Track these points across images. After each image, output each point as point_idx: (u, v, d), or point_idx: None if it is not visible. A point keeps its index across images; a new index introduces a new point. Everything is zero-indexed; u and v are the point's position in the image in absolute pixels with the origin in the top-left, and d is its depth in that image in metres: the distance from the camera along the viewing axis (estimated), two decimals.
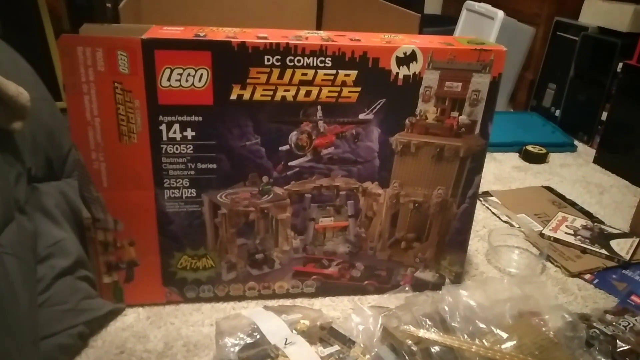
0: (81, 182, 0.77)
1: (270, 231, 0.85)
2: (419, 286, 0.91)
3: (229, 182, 0.79)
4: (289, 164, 0.80)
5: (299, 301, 0.89)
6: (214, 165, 0.78)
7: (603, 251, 1.07)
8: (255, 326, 0.76)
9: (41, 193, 0.79)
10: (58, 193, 0.81)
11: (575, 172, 1.49)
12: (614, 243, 1.10)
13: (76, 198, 0.80)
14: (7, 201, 0.68)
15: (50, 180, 0.83)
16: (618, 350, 0.76)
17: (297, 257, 0.87)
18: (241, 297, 0.88)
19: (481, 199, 1.27)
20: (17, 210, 0.72)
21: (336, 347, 0.73)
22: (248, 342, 0.73)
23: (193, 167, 0.77)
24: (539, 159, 1.54)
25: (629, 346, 0.76)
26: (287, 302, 0.88)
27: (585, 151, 1.65)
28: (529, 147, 1.56)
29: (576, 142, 1.69)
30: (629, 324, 0.82)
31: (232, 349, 0.72)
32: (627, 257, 1.05)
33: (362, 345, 0.74)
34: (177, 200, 0.79)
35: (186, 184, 0.78)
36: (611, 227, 1.16)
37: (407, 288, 0.89)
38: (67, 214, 0.82)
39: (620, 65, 1.53)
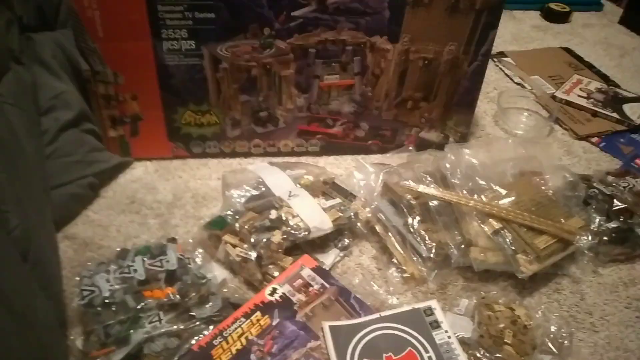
0: (76, 32, 0.74)
1: (274, 88, 0.83)
2: (423, 146, 0.91)
3: (229, 34, 0.75)
4: (292, 14, 0.75)
5: (303, 159, 0.90)
6: (213, 15, 0.73)
7: (614, 115, 1.04)
8: (261, 180, 0.78)
9: (36, 43, 0.76)
10: (54, 44, 0.78)
11: (598, 33, 1.41)
12: (626, 107, 1.07)
13: (73, 50, 0.77)
14: (0, 49, 0.66)
15: (44, 30, 0.79)
16: (614, 208, 0.78)
17: (301, 116, 0.87)
18: (247, 154, 0.89)
19: (495, 59, 1.22)
20: (13, 60, 0.70)
21: (338, 200, 0.75)
22: (254, 194, 0.75)
23: (190, 16, 0.73)
24: (561, 17, 1.45)
25: (625, 205, 0.78)
26: (292, 159, 0.89)
27: (612, 10, 1.54)
28: (552, 5, 1.46)
29: (603, 0, 1.57)
30: (629, 184, 0.82)
31: (238, 200, 0.74)
32: (638, 121, 1.03)
33: (363, 199, 0.76)
34: (176, 53, 0.76)
35: (184, 34, 0.74)
36: (626, 91, 1.13)
37: (410, 148, 0.89)
38: (66, 66, 0.80)
39: None
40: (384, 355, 0.56)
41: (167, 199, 0.80)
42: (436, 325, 0.59)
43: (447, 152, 0.80)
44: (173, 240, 0.70)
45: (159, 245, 0.68)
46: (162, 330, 0.58)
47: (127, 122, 0.83)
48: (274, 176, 0.79)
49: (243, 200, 0.74)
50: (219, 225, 0.71)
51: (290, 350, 0.57)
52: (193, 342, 0.58)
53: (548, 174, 0.81)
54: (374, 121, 0.89)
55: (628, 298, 0.70)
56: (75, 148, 0.77)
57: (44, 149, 0.73)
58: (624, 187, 0.82)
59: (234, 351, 0.57)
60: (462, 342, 0.58)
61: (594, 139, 1.00)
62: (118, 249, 0.67)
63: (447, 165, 0.77)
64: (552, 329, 0.61)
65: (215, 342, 0.58)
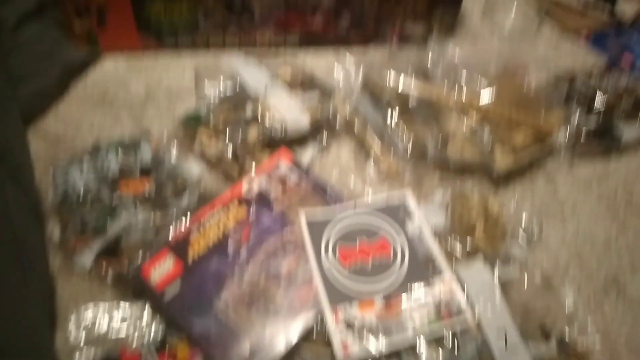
0: None
1: None
2: (407, 40, 0.87)
3: None
4: None
5: (281, 52, 0.86)
6: None
7: (605, 11, 1.00)
8: (236, 73, 0.75)
9: None
10: None
11: None
12: (620, 4, 1.03)
13: None
14: None
15: None
16: (595, 105, 0.77)
17: (278, 5, 0.81)
18: (221, 46, 0.85)
19: None
20: None
21: (317, 96, 0.73)
22: (228, 87, 0.73)
23: None
24: None
25: (607, 101, 0.77)
26: (269, 52, 0.86)
27: None
28: None
29: None
30: (613, 81, 0.81)
31: (213, 95, 0.72)
32: (630, 19, 0.99)
33: (342, 94, 0.74)
34: None
35: None
36: None
37: (393, 41, 0.85)
38: None
39: None
40: (358, 240, 0.58)
41: (140, 94, 0.78)
42: (409, 215, 0.61)
43: (430, 45, 0.77)
44: (147, 134, 0.68)
45: (133, 139, 0.66)
46: (139, 222, 0.58)
47: (93, 12, 0.77)
48: (250, 70, 0.76)
49: (218, 94, 0.72)
50: (193, 120, 0.70)
51: (266, 238, 0.58)
52: (170, 233, 0.58)
53: (532, 69, 0.79)
54: (356, 12, 0.84)
55: (600, 192, 0.72)
56: (39, 40, 0.73)
57: (3, 40, 0.69)
58: (607, 84, 0.80)
59: (210, 242, 0.58)
60: (435, 232, 0.60)
61: (584, 35, 0.97)
62: (91, 144, 0.66)
63: (430, 59, 0.75)
64: (523, 219, 0.63)
65: (192, 234, 0.58)
